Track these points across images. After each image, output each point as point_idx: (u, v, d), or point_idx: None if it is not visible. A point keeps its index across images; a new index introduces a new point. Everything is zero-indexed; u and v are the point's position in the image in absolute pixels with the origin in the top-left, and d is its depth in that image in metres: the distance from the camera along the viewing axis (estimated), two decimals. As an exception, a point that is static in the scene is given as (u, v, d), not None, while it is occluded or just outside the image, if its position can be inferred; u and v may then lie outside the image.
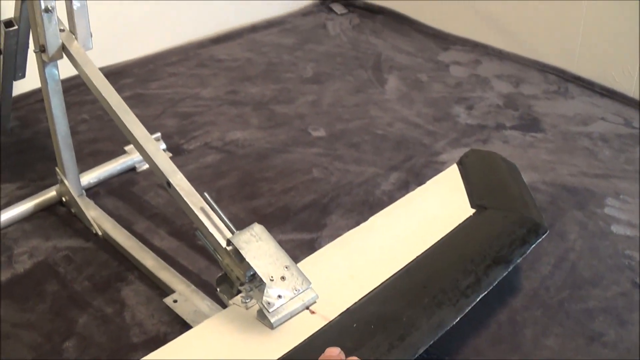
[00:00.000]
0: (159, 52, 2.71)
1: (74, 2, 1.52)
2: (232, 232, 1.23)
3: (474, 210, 1.47)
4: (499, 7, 2.71)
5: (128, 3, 2.51)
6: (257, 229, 1.21)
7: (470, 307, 1.19)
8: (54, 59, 1.56)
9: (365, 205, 1.82)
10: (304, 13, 3.19)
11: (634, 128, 2.21)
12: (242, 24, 2.98)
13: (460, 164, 1.66)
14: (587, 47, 2.47)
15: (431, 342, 1.12)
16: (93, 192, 1.87)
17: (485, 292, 1.23)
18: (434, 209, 1.49)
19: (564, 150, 2.08)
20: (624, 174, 1.97)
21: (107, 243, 1.68)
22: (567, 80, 2.53)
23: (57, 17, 1.52)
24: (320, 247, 1.45)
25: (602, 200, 1.84)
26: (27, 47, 1.83)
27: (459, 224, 1.42)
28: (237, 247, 1.17)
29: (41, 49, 1.54)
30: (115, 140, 2.05)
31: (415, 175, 1.94)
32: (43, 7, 1.47)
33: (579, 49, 2.50)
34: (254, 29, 2.98)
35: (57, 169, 1.74)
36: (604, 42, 2.40)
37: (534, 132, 2.18)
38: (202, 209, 1.27)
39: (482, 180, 1.59)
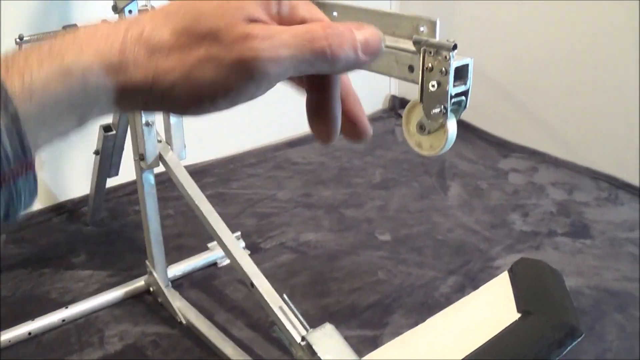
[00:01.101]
0: (239, 154, 2.90)
1: (171, 116, 1.71)
2: (306, 329, 1.40)
3: (519, 315, 1.61)
4: (555, 116, 2.86)
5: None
6: (328, 327, 1.39)
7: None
8: (151, 166, 1.73)
9: (425, 306, 1.95)
10: (374, 118, 3.37)
11: (676, 234, 2.32)
12: (316, 129, 3.15)
13: (511, 271, 1.81)
14: (637, 155, 2.60)
15: None
16: (178, 283, 2.01)
17: (524, 390, 1.38)
18: (484, 313, 1.63)
19: (610, 255, 2.20)
20: (664, 280, 2.08)
21: (190, 331, 1.82)
22: (617, 187, 2.65)
23: (156, 129, 1.70)
24: (382, 343, 1.60)
25: (642, 304, 1.96)
26: (122, 149, 2.03)
27: (505, 327, 1.57)
28: (311, 343, 1.35)
29: (140, 157, 1.71)
30: (198, 235, 2.20)
31: (471, 280, 2.07)
32: (144, 121, 1.65)
33: (629, 157, 2.62)
34: (327, 133, 3.14)
35: (147, 262, 1.90)
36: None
37: (583, 238, 2.30)
38: (281, 308, 1.44)
39: (528, 287, 1.72)
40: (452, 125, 1.41)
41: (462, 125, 3.09)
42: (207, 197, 1.67)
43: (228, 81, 0.47)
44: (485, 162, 2.92)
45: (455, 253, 2.22)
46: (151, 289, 1.97)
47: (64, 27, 1.96)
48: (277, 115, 2.95)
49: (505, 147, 3.05)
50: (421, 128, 1.47)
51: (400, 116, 3.34)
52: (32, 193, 0.42)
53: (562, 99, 2.81)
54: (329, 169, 2.82)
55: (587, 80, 2.69)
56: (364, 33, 0.50)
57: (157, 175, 1.78)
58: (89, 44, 0.46)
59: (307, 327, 1.40)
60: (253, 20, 0.47)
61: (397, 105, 3.45)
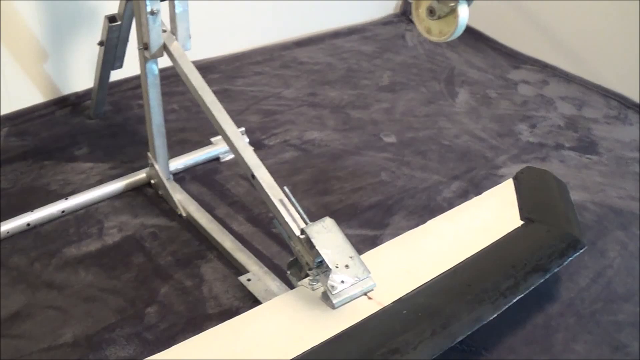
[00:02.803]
0: (246, 51, 2.84)
1: (176, 5, 1.66)
2: (306, 223, 1.39)
3: (522, 222, 1.59)
4: (569, 31, 2.81)
5: (219, 3, 2.65)
6: (328, 221, 1.37)
7: (506, 307, 1.32)
8: (155, 56, 1.69)
9: (426, 209, 1.94)
10: (385, 22, 3.30)
11: (685, 156, 2.30)
12: (325, 30, 3.10)
13: (516, 179, 1.79)
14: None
15: (469, 333, 1.26)
16: (179, 177, 2.00)
17: (522, 295, 1.36)
18: (487, 218, 1.62)
19: (616, 173, 2.18)
20: (669, 200, 2.06)
21: (190, 224, 1.81)
22: (627, 107, 2.62)
23: (161, 19, 1.65)
24: (382, 243, 1.58)
25: (645, 224, 1.95)
26: (127, 41, 2.00)
27: (507, 233, 1.55)
28: (309, 236, 1.33)
29: (144, 47, 1.67)
30: (202, 130, 2.19)
31: (475, 186, 2.05)
32: (149, 9, 1.60)
33: (641, 77, 2.60)
34: (336, 34, 3.10)
35: (149, 154, 1.88)
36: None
37: (590, 154, 2.29)
38: (281, 201, 1.42)
39: (533, 195, 1.71)
40: (463, 11, 1.39)
41: (473, 34, 3.05)
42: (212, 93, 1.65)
43: None
44: (495, 71, 2.87)
45: (460, 159, 2.21)
46: (152, 181, 1.94)
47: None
48: (285, 14, 2.91)
49: (516, 59, 3.00)
50: (431, 12, 1.45)
51: (411, 21, 3.29)
52: None
53: (578, 14, 2.75)
54: (336, 70, 2.78)
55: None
56: None
57: (162, 70, 1.75)
58: None
59: (307, 220, 1.39)
60: None
61: (408, 9, 3.38)
